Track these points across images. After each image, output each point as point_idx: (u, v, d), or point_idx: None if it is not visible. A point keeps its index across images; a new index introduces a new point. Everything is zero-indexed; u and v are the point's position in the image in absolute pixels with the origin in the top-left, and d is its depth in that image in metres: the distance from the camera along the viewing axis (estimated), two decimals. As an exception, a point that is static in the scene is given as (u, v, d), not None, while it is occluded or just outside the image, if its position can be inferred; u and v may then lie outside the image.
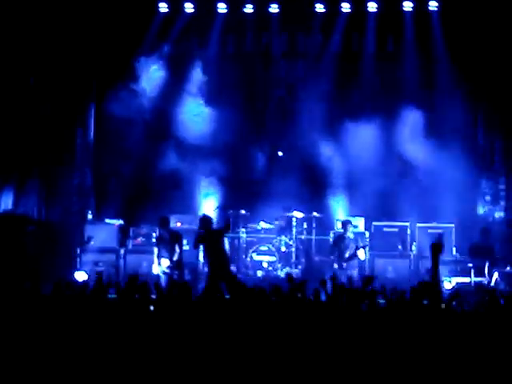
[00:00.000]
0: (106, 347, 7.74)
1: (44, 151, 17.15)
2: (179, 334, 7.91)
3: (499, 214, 17.18)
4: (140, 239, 16.52)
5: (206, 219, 14.03)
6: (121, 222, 16.72)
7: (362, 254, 14.78)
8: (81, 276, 14.95)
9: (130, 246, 16.49)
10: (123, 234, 16.61)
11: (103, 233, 16.25)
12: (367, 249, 15.49)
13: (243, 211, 16.76)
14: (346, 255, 14.67)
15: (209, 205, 17.25)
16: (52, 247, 16.72)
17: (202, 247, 14.44)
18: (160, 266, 13.97)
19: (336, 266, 14.58)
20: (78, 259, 16.28)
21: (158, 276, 13.92)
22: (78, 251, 16.32)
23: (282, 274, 16.32)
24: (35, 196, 17.10)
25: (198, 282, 15.55)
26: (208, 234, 13.76)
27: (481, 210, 17.29)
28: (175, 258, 13.99)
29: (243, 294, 8.88)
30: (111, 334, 7.90)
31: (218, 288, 10.56)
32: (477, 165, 17.12)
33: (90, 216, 17.27)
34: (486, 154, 17.33)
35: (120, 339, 7.83)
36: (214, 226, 14.23)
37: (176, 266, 14.03)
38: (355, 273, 14.75)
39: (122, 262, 16.25)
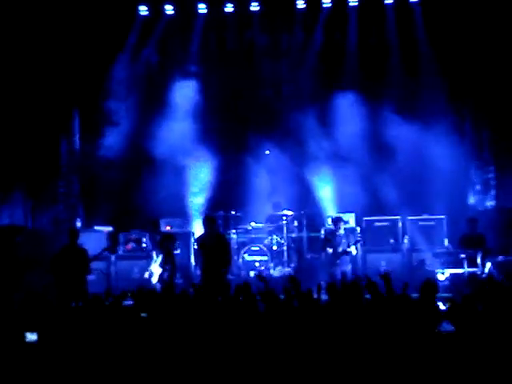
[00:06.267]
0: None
1: (28, 161, 17.02)
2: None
3: (490, 203, 17.13)
4: (131, 245, 16.37)
5: (209, 220, 13.86)
6: (110, 228, 16.58)
7: (353, 250, 14.71)
8: None
9: (121, 253, 16.34)
10: (113, 240, 16.47)
11: (93, 240, 16.06)
12: (359, 244, 15.40)
13: (233, 212, 16.66)
14: (341, 251, 14.58)
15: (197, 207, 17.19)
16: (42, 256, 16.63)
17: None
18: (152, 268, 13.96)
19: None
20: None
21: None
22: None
23: (275, 273, 16.24)
24: (21, 206, 16.95)
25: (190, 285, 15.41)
26: (211, 236, 13.60)
27: (471, 200, 17.25)
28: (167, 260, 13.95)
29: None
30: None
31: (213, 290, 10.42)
32: (466, 154, 17.09)
33: (78, 224, 17.15)
34: (474, 144, 17.29)
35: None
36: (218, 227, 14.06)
37: (168, 268, 13.98)
38: (348, 268, 14.69)
39: (113, 268, 16.08)
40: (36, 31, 16.65)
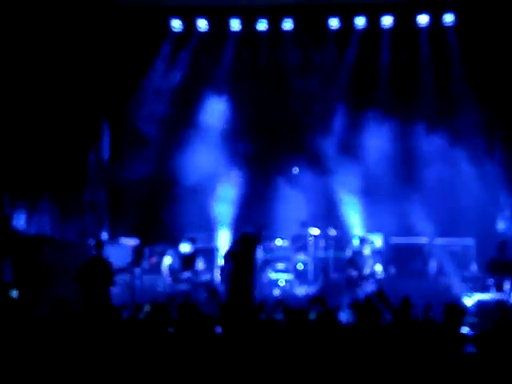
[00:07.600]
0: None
1: (56, 170, 17.10)
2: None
3: (519, 229, 16.98)
4: (155, 259, 16.36)
5: (247, 238, 13.79)
6: (136, 241, 16.58)
7: (380, 272, 14.60)
8: None
9: (146, 266, 16.33)
10: (138, 253, 16.47)
11: (118, 253, 16.07)
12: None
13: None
14: (367, 272, 14.49)
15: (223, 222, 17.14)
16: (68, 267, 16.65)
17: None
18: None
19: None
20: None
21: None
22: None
23: (299, 292, 16.13)
24: (48, 216, 17.00)
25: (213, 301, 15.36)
26: (242, 252, 13.56)
27: (500, 225, 17.10)
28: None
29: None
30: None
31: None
32: (495, 179, 16.96)
33: (105, 235, 17.17)
34: (503, 168, 17.16)
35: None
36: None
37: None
38: (373, 290, 14.55)
39: (137, 281, 16.04)
40: (68, 43, 16.79)
